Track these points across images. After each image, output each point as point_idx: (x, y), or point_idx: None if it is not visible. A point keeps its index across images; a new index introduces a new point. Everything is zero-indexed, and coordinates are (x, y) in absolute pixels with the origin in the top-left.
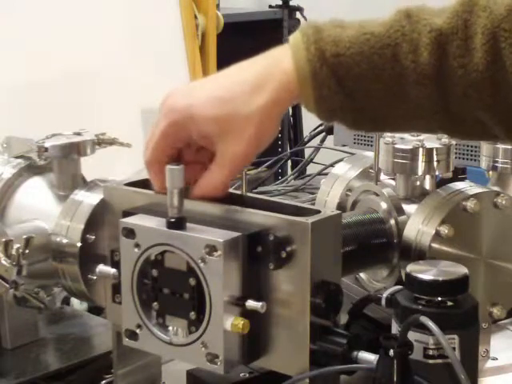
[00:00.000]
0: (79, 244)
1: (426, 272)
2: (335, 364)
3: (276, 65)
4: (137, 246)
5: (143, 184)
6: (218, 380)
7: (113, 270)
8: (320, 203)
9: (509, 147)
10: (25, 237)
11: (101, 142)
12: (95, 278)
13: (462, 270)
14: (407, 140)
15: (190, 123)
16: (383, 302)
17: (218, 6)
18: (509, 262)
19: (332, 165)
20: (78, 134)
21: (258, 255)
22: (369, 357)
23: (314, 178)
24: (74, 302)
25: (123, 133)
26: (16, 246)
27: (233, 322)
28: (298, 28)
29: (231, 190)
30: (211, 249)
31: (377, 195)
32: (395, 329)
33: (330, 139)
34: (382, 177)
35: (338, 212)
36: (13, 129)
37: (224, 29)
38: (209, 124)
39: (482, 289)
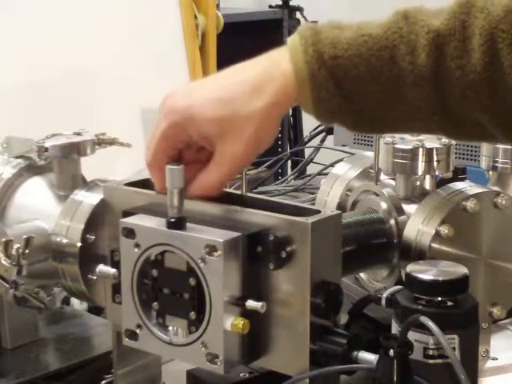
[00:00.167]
0: (79, 244)
1: (426, 272)
2: (335, 364)
3: (275, 66)
4: (137, 246)
5: (143, 184)
6: (218, 380)
7: (113, 270)
8: (320, 203)
9: (509, 147)
10: (25, 237)
11: (101, 141)
12: (95, 278)
13: (462, 269)
14: (407, 140)
15: (190, 124)
16: (383, 302)
17: (218, 5)
18: (509, 262)
19: (332, 165)
20: (78, 134)
21: (257, 255)
22: (369, 357)
23: (314, 177)
24: (74, 302)
25: (123, 133)
26: (16, 245)
27: (233, 322)
28: (296, 30)
29: (231, 190)
30: (211, 249)
31: (377, 195)
32: (395, 329)
33: (330, 139)
34: (382, 177)
35: (338, 212)
36: (13, 129)
37: (224, 29)
38: (209, 125)
39: (482, 289)
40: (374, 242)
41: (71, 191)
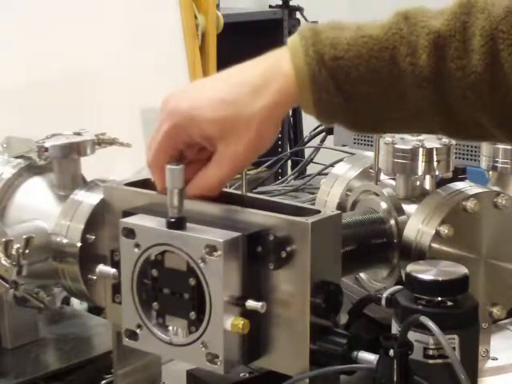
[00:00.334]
0: (79, 244)
1: (426, 272)
2: (335, 364)
3: (276, 67)
4: (137, 246)
5: (143, 184)
6: (218, 380)
7: (113, 270)
8: (320, 203)
9: (509, 147)
10: (25, 237)
11: (101, 141)
12: (95, 278)
13: (462, 269)
14: (407, 140)
15: (192, 125)
16: (383, 302)
17: (218, 5)
18: (509, 262)
19: (332, 165)
20: (78, 134)
21: (258, 255)
22: (369, 357)
23: (314, 177)
24: (74, 302)
25: (123, 133)
26: (16, 245)
27: (233, 322)
28: (297, 30)
29: (231, 190)
30: (211, 249)
31: (377, 195)
32: (395, 329)
33: (330, 139)
34: (382, 177)
35: (338, 212)
36: (13, 129)
37: (224, 29)
38: (210, 126)
39: (482, 289)
40: (374, 242)
41: (71, 191)
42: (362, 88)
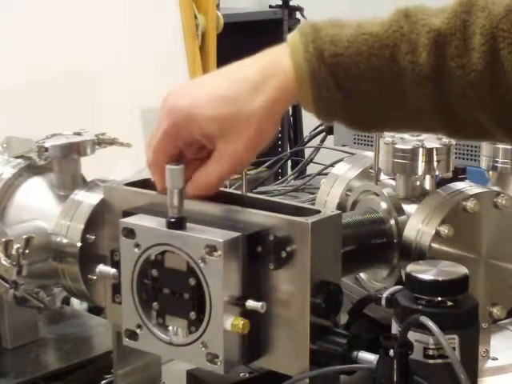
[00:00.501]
0: (79, 244)
1: (426, 272)
2: (335, 364)
3: (275, 63)
4: (137, 246)
5: (143, 184)
6: (218, 380)
7: (113, 270)
8: (320, 203)
9: (509, 147)
10: (25, 237)
11: (101, 141)
12: (95, 278)
13: (462, 269)
14: (407, 140)
15: (191, 123)
16: (383, 302)
17: (218, 5)
18: (509, 262)
19: (332, 165)
20: (78, 134)
21: (258, 255)
22: (369, 357)
23: (314, 177)
24: (74, 301)
25: (123, 133)
26: (16, 245)
27: (233, 322)
28: (297, 27)
29: (231, 190)
30: (211, 249)
31: (377, 195)
32: (395, 329)
33: (330, 139)
34: (382, 177)
35: (338, 212)
36: (13, 129)
37: (224, 29)
38: (210, 123)
39: (482, 289)
40: (374, 242)
41: (71, 191)
42: (361, 85)
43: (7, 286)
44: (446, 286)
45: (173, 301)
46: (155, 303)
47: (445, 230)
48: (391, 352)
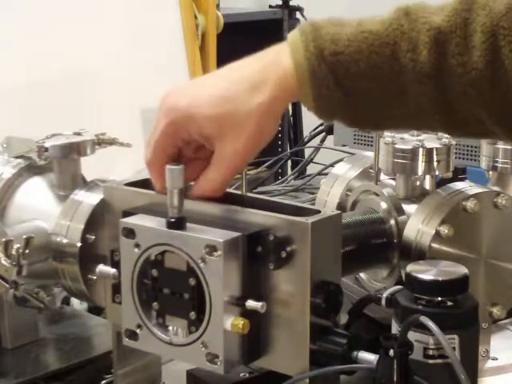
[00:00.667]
0: (79, 244)
1: (426, 272)
2: (335, 364)
3: (276, 62)
4: (137, 246)
5: (143, 184)
6: (218, 380)
7: (113, 270)
8: (320, 203)
9: (509, 147)
10: (25, 237)
11: (101, 141)
12: (95, 278)
13: (462, 269)
14: (407, 140)
15: (190, 122)
16: (383, 302)
17: (218, 5)
18: (509, 262)
19: (332, 165)
20: (78, 134)
21: (258, 255)
22: (369, 357)
23: (314, 177)
24: (74, 301)
25: (123, 133)
26: (16, 245)
27: (233, 322)
28: (297, 26)
29: (231, 190)
30: (211, 249)
31: (377, 195)
32: (395, 329)
33: (330, 139)
34: (382, 177)
35: (338, 212)
36: (13, 129)
37: (224, 29)
38: (208, 123)
39: (482, 289)
40: (374, 242)
41: (71, 191)
42: (361, 83)
43: (7, 285)
44: (446, 286)
45: (173, 301)
46: (155, 303)
47: (445, 229)
48: (391, 352)
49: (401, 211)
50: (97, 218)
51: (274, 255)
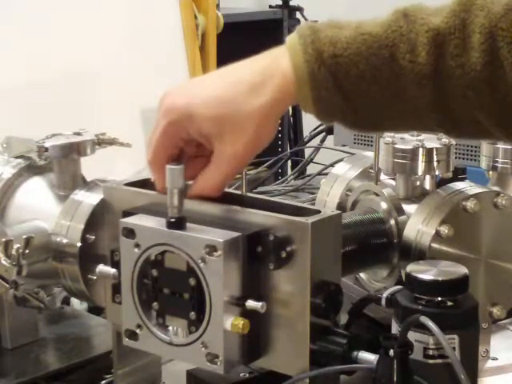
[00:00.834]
0: (79, 244)
1: (426, 272)
2: (335, 364)
3: (274, 65)
4: (137, 246)
5: (143, 184)
6: (217, 380)
7: (113, 270)
8: (320, 203)
9: (509, 147)
10: (25, 237)
11: (101, 142)
12: (95, 278)
13: (462, 269)
14: (407, 140)
15: (190, 122)
16: (383, 302)
17: (218, 5)
18: (509, 262)
19: (332, 165)
20: (78, 134)
21: (258, 255)
22: (369, 357)
23: (314, 177)
24: (74, 301)
25: (123, 133)
26: (16, 245)
27: (233, 322)
28: (296, 29)
29: (231, 190)
30: (211, 249)
31: (377, 195)
32: (395, 329)
33: (330, 139)
34: (382, 177)
35: (338, 212)
36: (13, 129)
37: (224, 29)
38: (207, 123)
39: (482, 289)
40: (374, 242)
41: (71, 191)
42: (361, 85)
43: (7, 285)
44: (446, 286)
45: (173, 301)
46: (155, 303)
47: (445, 229)
48: (391, 352)
49: (401, 211)
50: (97, 218)
51: (274, 255)
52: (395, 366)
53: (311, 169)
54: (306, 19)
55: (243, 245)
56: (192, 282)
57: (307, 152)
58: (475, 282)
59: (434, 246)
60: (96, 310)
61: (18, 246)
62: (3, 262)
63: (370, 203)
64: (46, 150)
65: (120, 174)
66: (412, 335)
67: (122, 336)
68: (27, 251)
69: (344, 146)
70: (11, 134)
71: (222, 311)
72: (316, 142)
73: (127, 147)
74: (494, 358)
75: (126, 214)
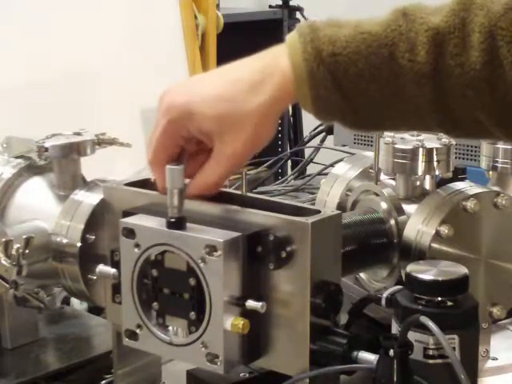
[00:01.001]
0: (79, 244)
1: (426, 272)
2: (335, 364)
3: (274, 64)
4: (137, 246)
5: (143, 184)
6: (217, 380)
7: (113, 270)
8: (320, 203)
9: (509, 147)
10: (25, 237)
11: (101, 141)
12: (95, 278)
13: (462, 269)
14: (407, 140)
15: (190, 120)
16: (383, 302)
17: (218, 5)
18: (509, 262)
19: (332, 165)
20: (78, 134)
21: (258, 255)
22: (369, 357)
23: (314, 177)
24: (74, 301)
25: (123, 133)
26: (16, 245)
27: (233, 322)
28: (295, 28)
29: (231, 190)
30: (211, 249)
31: (377, 195)
32: (395, 329)
33: (330, 139)
34: (382, 177)
35: (338, 212)
36: (13, 129)
37: (224, 29)
38: (207, 121)
39: (482, 289)
40: (374, 242)
41: (71, 191)
42: (360, 84)
43: (7, 286)
44: (446, 286)
45: (173, 301)
46: (155, 303)
47: (445, 229)
48: (391, 352)
49: (401, 211)
50: (97, 218)
51: (274, 255)
52: (395, 366)
53: (311, 169)
54: (305, 19)
55: (243, 245)
56: (192, 281)
57: (307, 152)
58: (475, 282)
59: (434, 246)
60: (96, 309)
61: (18, 245)
62: (3, 262)
63: (370, 203)
64: (46, 149)
65: (120, 174)
66: (412, 335)
67: (122, 336)
68: (27, 251)
69: (344, 146)
70: (11, 134)
71: (222, 311)
72: (316, 142)
73: (127, 147)
74: (494, 358)
75: (126, 213)
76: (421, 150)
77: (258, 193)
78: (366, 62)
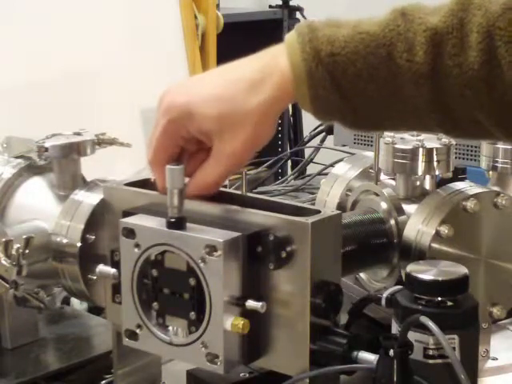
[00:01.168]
0: (79, 244)
1: (426, 272)
2: (335, 364)
3: (273, 63)
4: (137, 246)
5: (143, 184)
6: (218, 380)
7: (113, 270)
8: (320, 203)
9: (509, 147)
10: (25, 237)
11: (101, 142)
12: (95, 278)
13: (462, 270)
14: (407, 140)
15: (189, 120)
16: (383, 302)
17: (218, 5)
18: (509, 262)
19: (332, 165)
20: (78, 134)
21: (258, 255)
22: (369, 357)
23: (314, 177)
24: (74, 301)
25: (123, 133)
26: (16, 245)
27: (233, 322)
28: (294, 27)
29: (231, 190)
30: (211, 249)
31: (377, 195)
32: (395, 329)
33: (330, 139)
34: (382, 177)
35: (338, 212)
36: (13, 129)
37: (224, 29)
38: (207, 121)
39: (482, 289)
40: (374, 242)
41: (71, 191)
42: (358, 84)
43: (7, 286)
44: (446, 286)
45: (173, 301)
46: (155, 303)
47: (445, 229)
48: (391, 352)
49: (401, 211)
50: (97, 218)
51: (274, 255)
52: (395, 366)
53: (311, 169)
54: (305, 19)
55: (243, 245)
56: (192, 281)
57: (307, 152)
58: (475, 282)
59: (434, 246)
60: (96, 309)
61: (18, 245)
62: (3, 261)
63: (370, 203)
64: (46, 149)
65: (120, 174)
66: (412, 335)
67: (122, 336)
68: (27, 251)
69: (344, 146)
70: (11, 134)
71: (222, 311)
72: (316, 141)
73: (127, 147)
74: (494, 358)
75: (126, 213)
76: (421, 150)
77: (258, 193)
78: (365, 61)
